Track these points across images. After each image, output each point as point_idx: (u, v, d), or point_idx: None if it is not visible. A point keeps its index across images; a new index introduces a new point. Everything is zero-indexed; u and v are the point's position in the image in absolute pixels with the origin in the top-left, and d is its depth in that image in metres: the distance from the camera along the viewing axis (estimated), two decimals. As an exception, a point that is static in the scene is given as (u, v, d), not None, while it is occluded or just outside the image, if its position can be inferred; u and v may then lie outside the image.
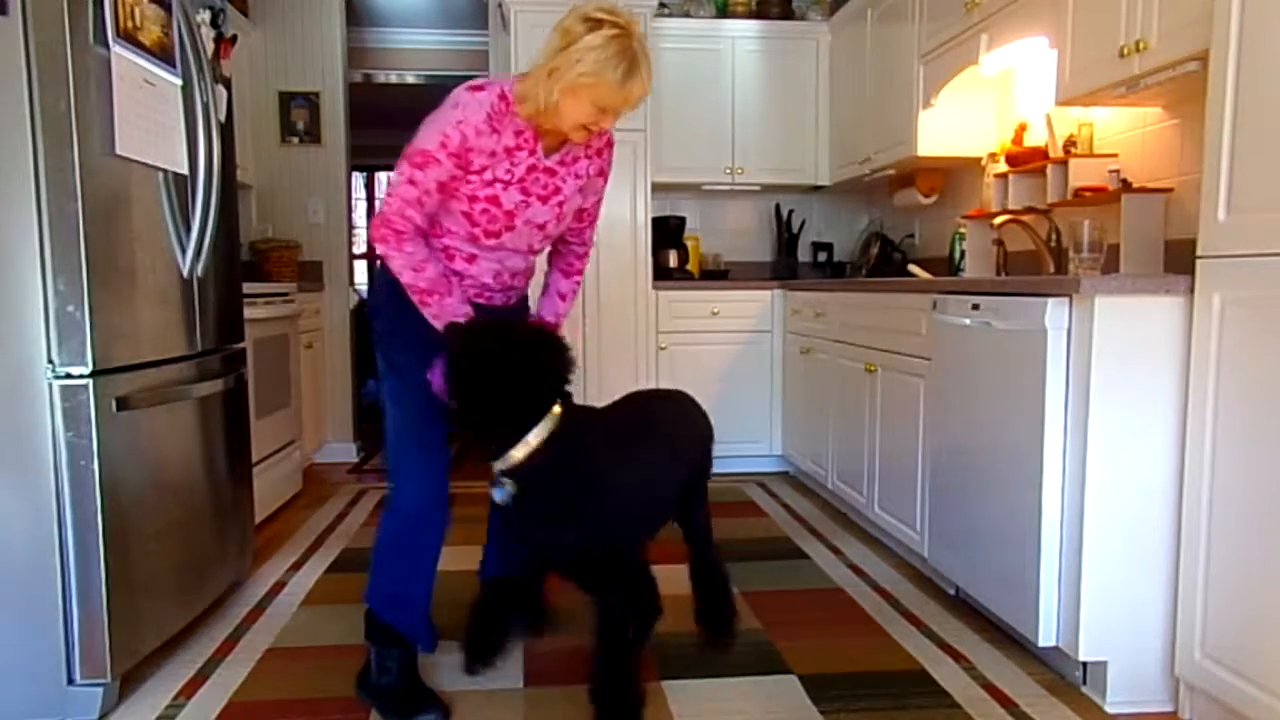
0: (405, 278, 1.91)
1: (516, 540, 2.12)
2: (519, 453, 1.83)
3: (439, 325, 1.93)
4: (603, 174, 2.10)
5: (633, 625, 1.95)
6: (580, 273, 2.27)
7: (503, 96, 1.92)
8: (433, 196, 1.90)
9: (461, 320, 1.94)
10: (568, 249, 2.23)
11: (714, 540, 2.29)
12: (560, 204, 2.03)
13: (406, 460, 2.04)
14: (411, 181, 1.87)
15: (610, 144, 2.09)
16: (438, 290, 1.92)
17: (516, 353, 1.84)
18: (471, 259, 2.03)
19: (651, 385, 4.32)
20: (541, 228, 2.03)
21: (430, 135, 1.86)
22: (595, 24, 1.83)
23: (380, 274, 2.05)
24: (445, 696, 2.09)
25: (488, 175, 1.92)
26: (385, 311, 2.04)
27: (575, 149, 2.01)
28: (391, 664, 2.04)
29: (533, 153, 1.95)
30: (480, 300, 2.08)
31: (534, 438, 1.83)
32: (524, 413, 1.84)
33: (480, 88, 1.91)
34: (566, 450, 1.84)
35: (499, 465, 1.86)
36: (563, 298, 2.25)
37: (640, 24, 1.89)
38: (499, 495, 1.88)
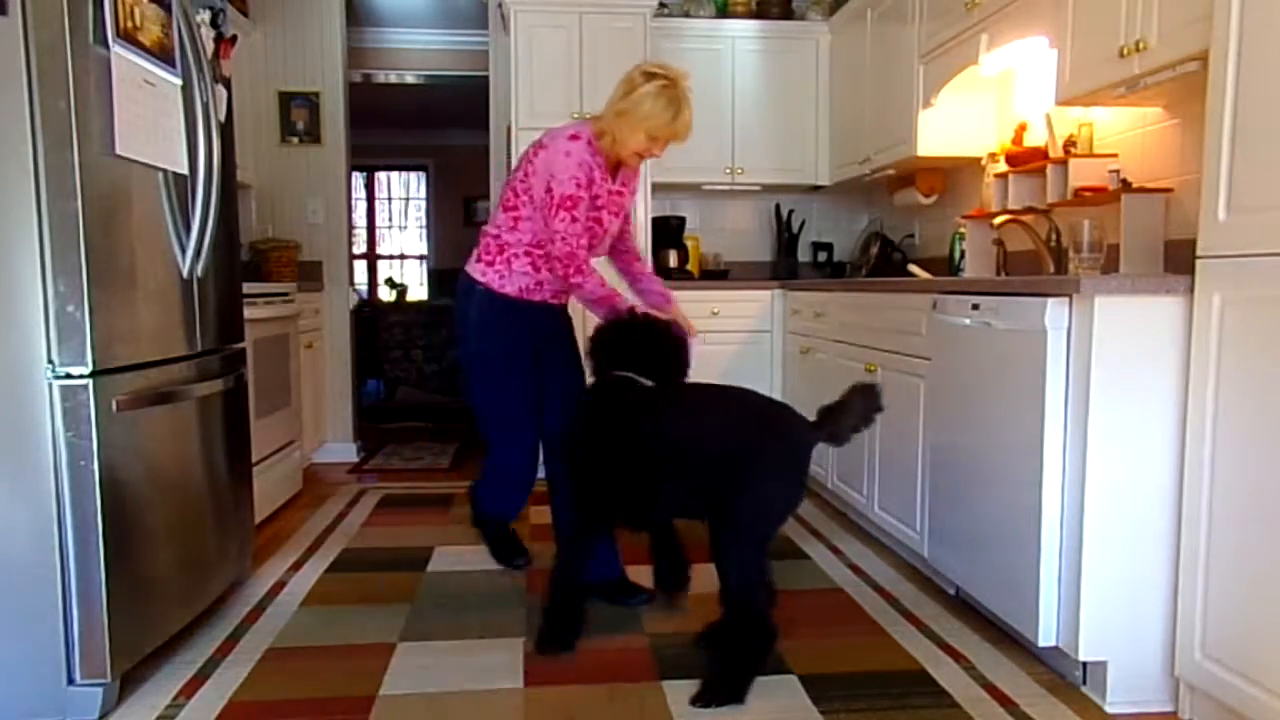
0: (600, 292, 2.47)
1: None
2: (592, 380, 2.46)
3: (620, 306, 2.49)
4: (635, 191, 2.73)
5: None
6: (642, 261, 2.88)
7: (590, 142, 2.48)
8: (584, 229, 2.46)
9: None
10: (626, 250, 2.82)
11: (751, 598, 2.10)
12: (626, 216, 2.69)
13: (508, 432, 2.63)
14: (575, 219, 2.42)
15: (639, 166, 2.69)
16: (613, 290, 2.50)
17: (661, 342, 2.42)
18: (554, 268, 2.52)
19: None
20: (608, 234, 2.63)
21: (567, 182, 2.40)
22: (651, 76, 2.45)
23: (479, 296, 2.54)
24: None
25: (600, 202, 2.52)
26: (493, 346, 2.56)
27: (626, 172, 2.62)
28: (489, 530, 2.76)
29: (606, 180, 2.54)
30: (553, 301, 2.65)
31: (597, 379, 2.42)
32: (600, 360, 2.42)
33: (577, 136, 2.46)
34: (612, 402, 2.34)
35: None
36: (654, 280, 2.86)
37: (686, 77, 2.49)
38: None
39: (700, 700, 2.05)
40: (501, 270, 2.53)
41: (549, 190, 2.41)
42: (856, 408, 2.17)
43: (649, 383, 2.36)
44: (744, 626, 2.09)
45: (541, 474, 2.69)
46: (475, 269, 2.56)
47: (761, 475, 2.09)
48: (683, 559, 2.64)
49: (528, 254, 2.53)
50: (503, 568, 2.85)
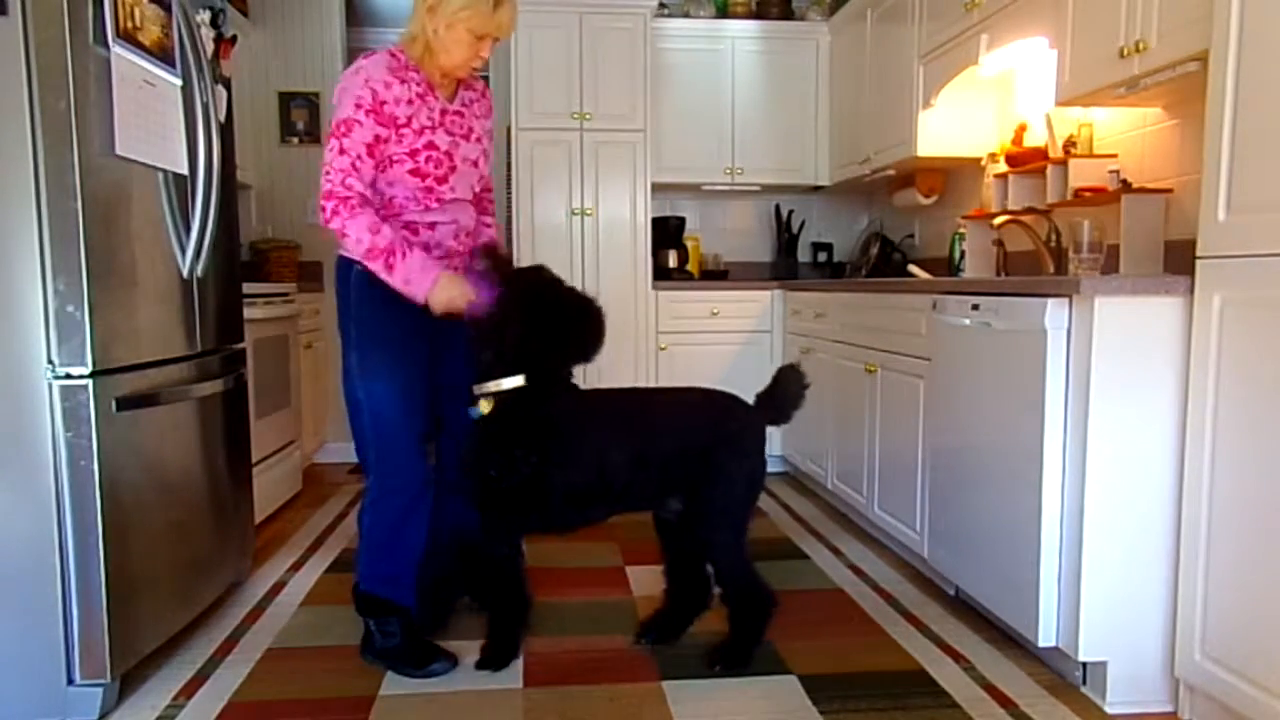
0: (365, 244, 2.03)
1: (462, 470, 2.23)
2: (508, 384, 2.09)
3: (410, 288, 2.06)
4: (489, 114, 2.36)
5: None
6: (493, 212, 2.50)
7: (393, 54, 2.12)
8: (366, 161, 2.05)
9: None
10: (482, 196, 2.42)
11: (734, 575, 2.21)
12: (479, 139, 2.27)
13: (398, 450, 2.19)
14: (342, 151, 2.03)
15: (488, 88, 2.38)
16: (399, 248, 2.05)
17: (580, 313, 2.16)
18: (432, 226, 2.20)
19: (650, 386, 4.32)
20: (475, 165, 2.26)
21: (345, 104, 2.04)
22: None
23: (349, 277, 2.17)
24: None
25: (415, 125, 2.11)
26: (361, 318, 2.16)
27: (468, 93, 2.26)
28: (393, 629, 2.24)
29: (436, 98, 2.16)
30: (449, 268, 2.18)
31: (511, 383, 2.09)
32: (558, 361, 2.14)
33: (371, 53, 2.13)
34: (546, 402, 2.12)
35: (483, 389, 2.11)
36: (489, 226, 2.46)
37: None
38: (474, 413, 2.13)
39: (712, 662, 2.23)
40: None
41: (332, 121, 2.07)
42: (789, 388, 2.31)
43: (578, 385, 2.22)
44: (743, 603, 2.24)
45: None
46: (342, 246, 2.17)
47: (725, 463, 2.18)
48: (705, 589, 2.38)
49: (396, 218, 2.15)
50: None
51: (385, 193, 2.13)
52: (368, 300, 2.14)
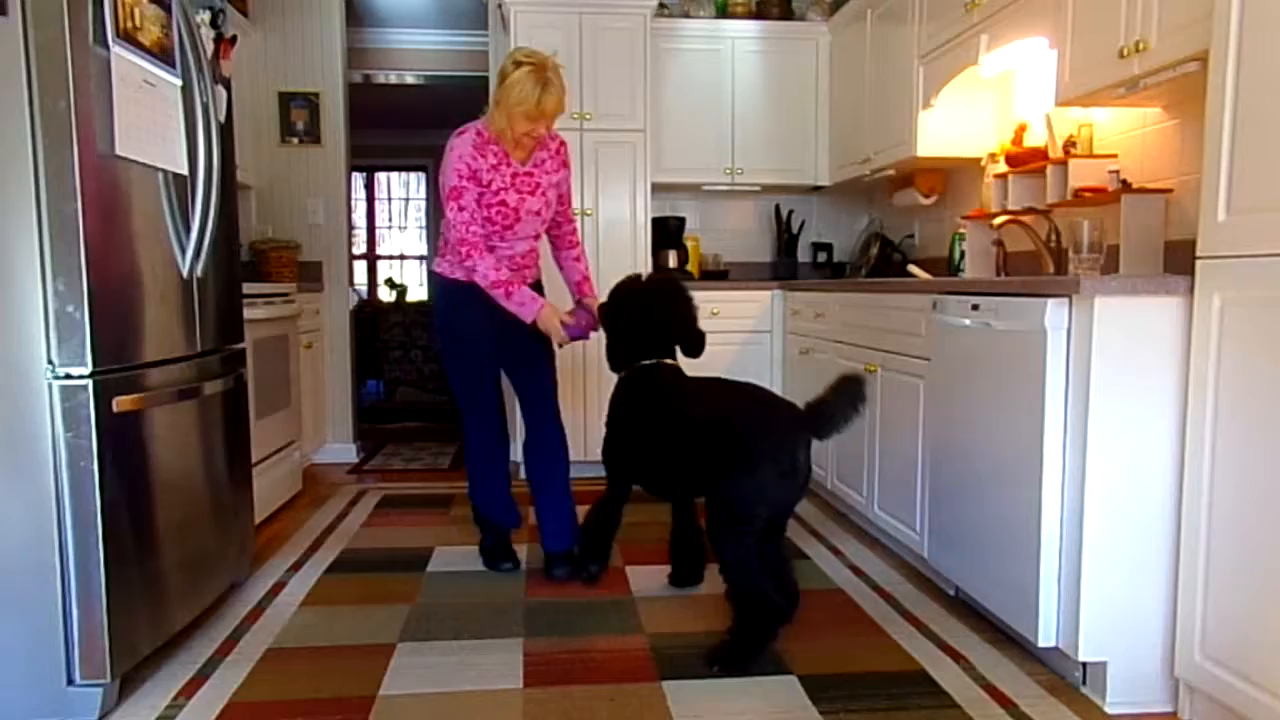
0: (491, 277, 2.70)
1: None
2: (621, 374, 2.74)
3: (521, 310, 2.73)
4: (565, 165, 2.92)
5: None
6: (578, 245, 3.08)
7: (478, 133, 2.73)
8: (477, 213, 2.72)
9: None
10: (561, 229, 3.02)
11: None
12: (544, 193, 2.84)
13: (473, 411, 2.95)
14: (461, 209, 2.69)
15: (563, 143, 2.92)
16: (515, 283, 2.74)
17: (664, 305, 2.69)
18: (493, 250, 2.81)
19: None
20: (538, 214, 2.84)
21: (451, 175, 2.69)
22: (519, 64, 2.63)
23: (440, 288, 2.88)
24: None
25: (494, 186, 2.74)
26: (448, 318, 2.88)
27: (540, 153, 2.83)
28: (486, 534, 3.08)
29: (509, 164, 2.76)
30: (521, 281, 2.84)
31: (626, 372, 2.72)
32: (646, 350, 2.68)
33: (462, 132, 2.74)
34: (633, 386, 2.68)
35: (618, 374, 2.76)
36: (578, 260, 3.06)
37: (553, 58, 2.66)
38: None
39: (710, 661, 2.27)
40: (451, 260, 2.82)
41: (441, 186, 2.73)
42: (841, 404, 2.25)
43: (673, 363, 2.68)
44: (744, 605, 2.27)
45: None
46: (438, 264, 2.90)
47: (751, 463, 2.25)
48: (700, 556, 2.84)
49: (486, 254, 2.76)
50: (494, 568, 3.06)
51: (484, 235, 2.77)
52: (454, 308, 2.85)
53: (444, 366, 2.98)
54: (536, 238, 2.91)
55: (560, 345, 2.83)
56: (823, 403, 2.26)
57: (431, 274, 2.94)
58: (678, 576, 2.85)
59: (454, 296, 2.84)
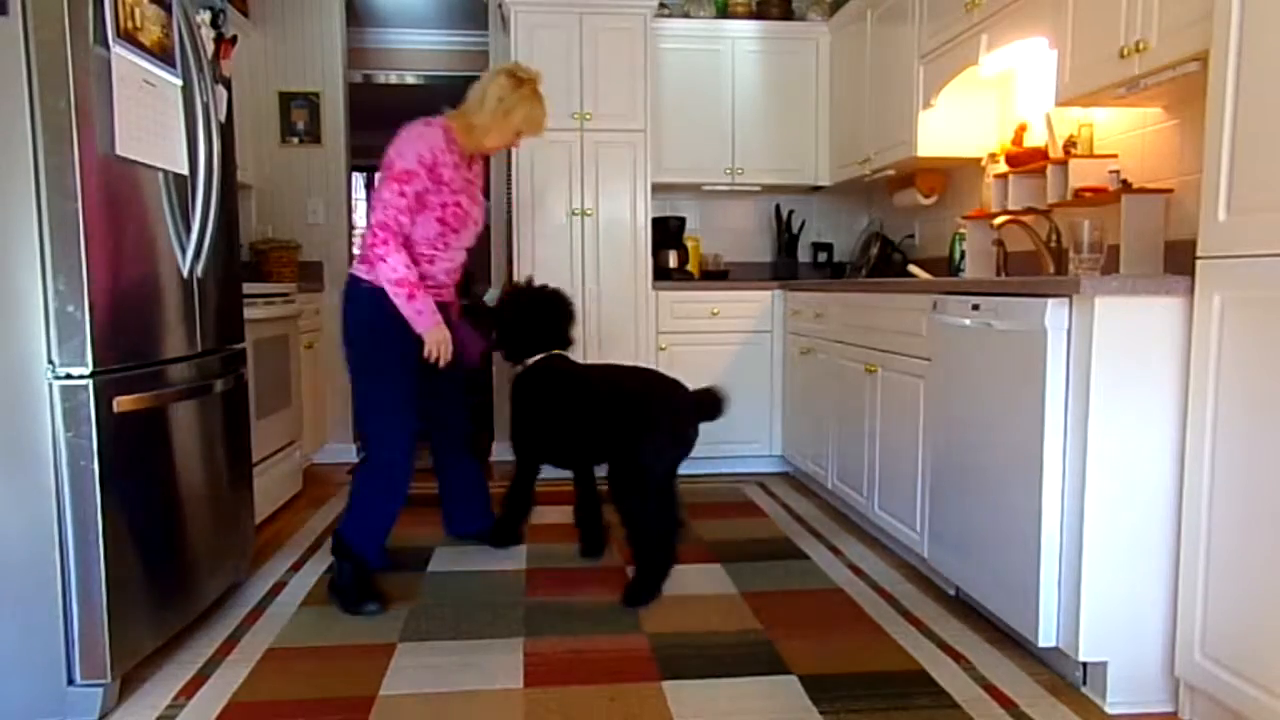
0: (399, 273, 2.57)
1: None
2: (519, 367, 3.02)
3: (418, 319, 2.63)
4: (482, 176, 2.94)
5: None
6: (458, 277, 3.03)
7: (446, 129, 2.68)
8: (414, 206, 2.61)
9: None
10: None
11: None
12: (482, 201, 2.88)
13: (392, 429, 2.73)
14: (402, 194, 2.57)
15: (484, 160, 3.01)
16: (422, 286, 2.64)
17: (555, 307, 3.01)
18: (432, 260, 2.75)
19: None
20: (477, 222, 2.85)
21: (410, 158, 2.58)
22: (521, 81, 2.73)
23: (362, 296, 2.67)
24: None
25: (454, 186, 2.69)
26: (371, 329, 2.68)
27: (476, 167, 2.86)
28: (346, 571, 2.70)
29: (463, 168, 2.75)
30: (437, 298, 2.78)
31: (533, 360, 3.00)
32: (542, 344, 3.00)
33: (430, 123, 2.67)
34: (552, 369, 2.96)
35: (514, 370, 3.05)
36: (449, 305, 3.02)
37: (540, 77, 2.81)
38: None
39: (627, 600, 2.66)
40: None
41: (389, 164, 2.58)
42: (716, 400, 2.78)
43: (564, 354, 3.01)
44: (644, 546, 2.69)
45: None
46: (357, 269, 2.72)
47: (656, 430, 2.71)
48: (601, 526, 3.16)
49: (400, 250, 2.65)
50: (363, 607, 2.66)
51: (407, 229, 2.66)
52: (381, 317, 2.64)
53: (358, 376, 2.74)
54: (466, 248, 2.87)
55: (436, 362, 2.71)
56: (706, 393, 2.78)
57: (350, 285, 2.71)
58: (587, 548, 3.15)
59: (379, 305, 2.64)
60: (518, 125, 2.72)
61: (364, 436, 2.81)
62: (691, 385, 2.81)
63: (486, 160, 2.93)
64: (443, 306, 2.81)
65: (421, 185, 2.59)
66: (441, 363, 2.70)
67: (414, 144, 2.59)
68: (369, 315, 2.66)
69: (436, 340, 2.67)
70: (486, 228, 3.07)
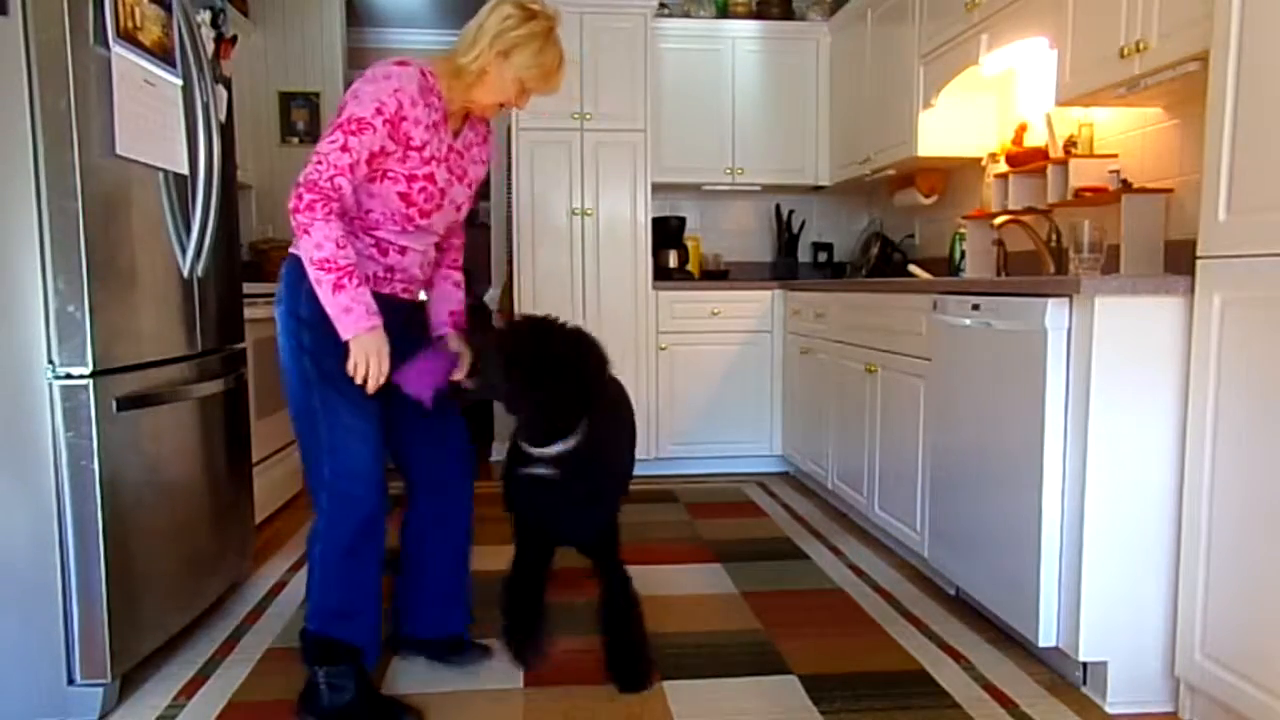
0: (324, 252, 1.84)
1: (540, 520, 2.13)
2: (569, 444, 1.98)
3: (345, 317, 1.85)
4: (486, 161, 2.16)
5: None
6: (460, 268, 2.30)
7: (424, 73, 1.94)
8: (362, 168, 1.87)
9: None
10: (450, 244, 2.25)
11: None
12: (470, 185, 2.11)
13: (359, 462, 1.97)
14: (345, 148, 1.84)
15: (491, 131, 2.19)
16: (356, 273, 1.87)
17: (583, 361, 1.96)
18: (404, 251, 2.04)
19: (653, 386, 4.32)
20: (458, 209, 2.11)
21: (366, 103, 1.85)
22: (532, 14, 1.91)
23: (312, 294, 1.91)
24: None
25: (427, 153, 1.94)
26: (320, 322, 1.90)
27: (470, 134, 2.08)
28: (347, 681, 1.97)
29: (447, 132, 2.01)
30: (405, 295, 2.11)
31: (578, 434, 1.99)
32: (579, 412, 1.99)
33: (405, 63, 1.93)
34: (596, 443, 2.01)
35: (542, 452, 1.99)
36: (458, 286, 2.27)
37: (559, 18, 1.99)
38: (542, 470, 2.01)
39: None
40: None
41: (340, 107, 1.88)
42: None
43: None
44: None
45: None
46: (295, 247, 2.01)
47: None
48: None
49: (368, 232, 2.01)
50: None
51: (363, 203, 1.96)
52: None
53: (298, 394, 2.00)
54: (440, 239, 2.14)
55: (364, 385, 1.89)
56: None
57: (294, 270, 2.01)
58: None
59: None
60: (519, 72, 1.92)
61: (311, 476, 2.03)
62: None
63: (486, 127, 2.15)
64: (408, 307, 2.12)
65: (377, 142, 1.86)
66: (370, 386, 1.88)
67: (376, 86, 1.87)
68: (320, 311, 1.89)
69: (366, 350, 1.86)
70: (486, 228, 2.50)
